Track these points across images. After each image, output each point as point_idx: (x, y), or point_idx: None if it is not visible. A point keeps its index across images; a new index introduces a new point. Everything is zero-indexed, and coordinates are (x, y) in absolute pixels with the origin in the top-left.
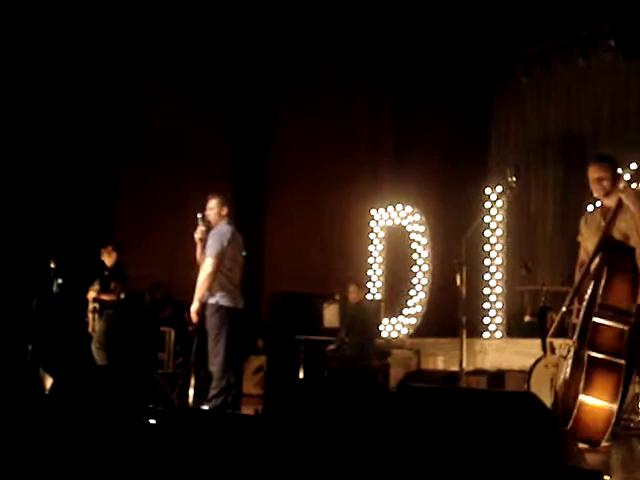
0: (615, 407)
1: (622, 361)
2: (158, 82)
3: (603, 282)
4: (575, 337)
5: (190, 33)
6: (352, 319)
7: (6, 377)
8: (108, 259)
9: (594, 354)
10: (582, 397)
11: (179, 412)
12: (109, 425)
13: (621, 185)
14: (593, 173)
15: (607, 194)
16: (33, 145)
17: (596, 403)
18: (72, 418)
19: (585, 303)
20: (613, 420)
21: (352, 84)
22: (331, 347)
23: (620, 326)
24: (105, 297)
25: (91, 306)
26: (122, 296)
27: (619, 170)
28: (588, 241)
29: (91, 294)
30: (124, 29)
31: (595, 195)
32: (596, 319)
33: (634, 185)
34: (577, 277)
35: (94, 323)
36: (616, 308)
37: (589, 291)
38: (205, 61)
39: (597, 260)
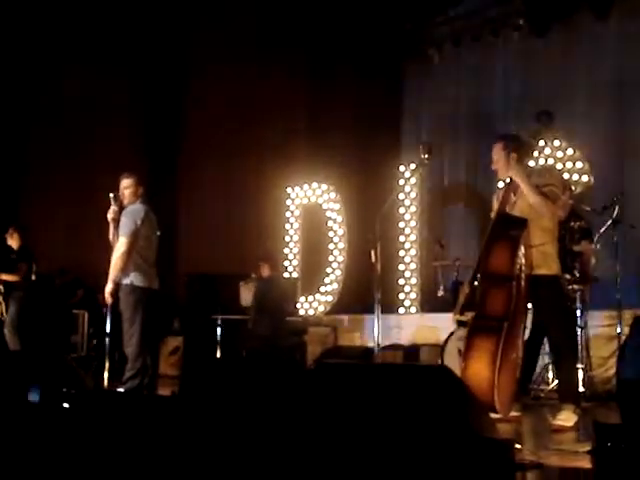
0: (493, 371)
1: (503, 323)
2: (68, 52)
3: (484, 252)
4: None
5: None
6: (262, 296)
7: None
8: (13, 242)
9: (475, 320)
10: (462, 363)
11: (94, 395)
12: (21, 410)
13: (512, 162)
14: (494, 153)
15: (503, 173)
16: None
17: (475, 369)
18: None
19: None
20: (496, 383)
21: (265, 58)
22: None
23: (499, 289)
24: (11, 278)
25: None
26: (33, 277)
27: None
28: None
29: None
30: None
31: (499, 171)
32: (475, 284)
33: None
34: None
35: (2, 307)
36: (494, 273)
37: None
38: (116, 30)
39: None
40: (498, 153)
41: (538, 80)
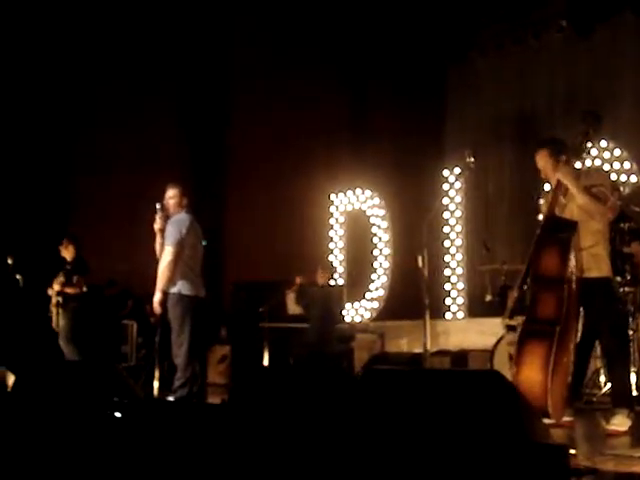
0: (546, 376)
1: (555, 328)
2: (114, 74)
3: (534, 256)
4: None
5: (141, 26)
6: (307, 303)
7: None
8: (67, 253)
9: (526, 324)
10: (514, 368)
11: (144, 404)
12: (74, 420)
13: (560, 165)
14: (536, 162)
15: (552, 177)
16: None
17: (528, 374)
18: (36, 415)
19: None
20: (549, 387)
21: (307, 71)
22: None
23: (550, 293)
24: (69, 290)
25: (54, 300)
26: (84, 289)
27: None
28: None
29: (55, 287)
30: (75, 19)
31: (548, 177)
32: (524, 288)
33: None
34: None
35: (58, 317)
36: (545, 277)
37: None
38: (163, 46)
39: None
40: (543, 159)
41: (582, 81)
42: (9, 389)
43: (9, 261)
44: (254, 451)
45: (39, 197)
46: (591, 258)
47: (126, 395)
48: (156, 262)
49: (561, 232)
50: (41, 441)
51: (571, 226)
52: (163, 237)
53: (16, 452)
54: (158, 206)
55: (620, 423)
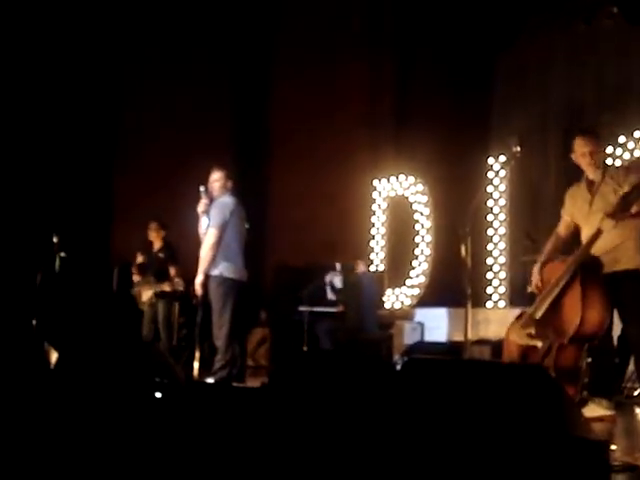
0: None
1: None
2: (158, 52)
3: (579, 314)
4: (540, 313)
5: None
6: (347, 289)
7: (11, 352)
8: (156, 239)
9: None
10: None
11: (185, 385)
12: (115, 399)
13: (599, 162)
14: (582, 147)
15: (593, 171)
16: (32, 117)
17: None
18: (78, 392)
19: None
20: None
21: (353, 52)
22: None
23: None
24: (166, 288)
25: (148, 301)
26: (181, 288)
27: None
28: (571, 215)
29: (147, 292)
30: None
31: (585, 168)
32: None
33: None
34: (548, 247)
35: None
36: (586, 337)
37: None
38: (205, 28)
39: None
40: (590, 146)
41: (634, 71)
42: (52, 366)
43: (54, 239)
44: (292, 435)
45: (84, 175)
46: (621, 251)
47: (167, 376)
48: (199, 244)
49: (597, 276)
50: (82, 419)
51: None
52: (207, 219)
53: (57, 430)
54: (202, 189)
55: None
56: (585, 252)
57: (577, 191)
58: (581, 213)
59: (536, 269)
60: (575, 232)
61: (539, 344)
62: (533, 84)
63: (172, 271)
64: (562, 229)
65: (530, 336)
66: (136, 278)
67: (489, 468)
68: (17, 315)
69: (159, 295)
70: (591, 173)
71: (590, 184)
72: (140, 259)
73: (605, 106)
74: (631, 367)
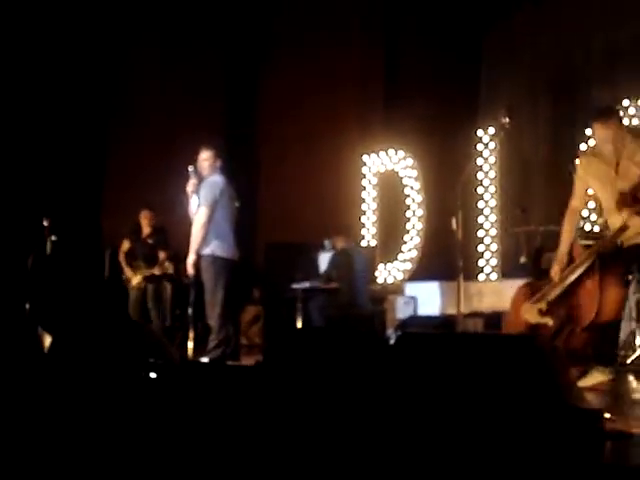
0: None
1: None
2: (150, 33)
3: (595, 305)
4: (554, 295)
5: None
6: (339, 266)
7: (4, 336)
8: (146, 224)
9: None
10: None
11: (179, 365)
12: (109, 381)
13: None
14: (603, 133)
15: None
16: (22, 100)
17: None
18: (72, 375)
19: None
20: None
21: (341, 27)
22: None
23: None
24: (156, 272)
25: (137, 285)
26: (171, 271)
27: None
28: (588, 184)
29: (137, 277)
30: None
31: (607, 152)
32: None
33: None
34: (568, 227)
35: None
36: (600, 325)
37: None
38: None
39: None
40: (609, 130)
41: (619, 37)
42: (45, 350)
43: (45, 223)
44: (287, 412)
45: (74, 158)
46: None
47: (160, 356)
48: (189, 224)
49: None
50: (76, 402)
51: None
52: (197, 199)
53: (51, 413)
54: (191, 169)
55: None
56: (610, 244)
57: (595, 163)
58: (603, 180)
59: (562, 252)
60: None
61: (550, 322)
62: (521, 54)
63: (162, 255)
64: (578, 202)
65: (541, 313)
66: (123, 265)
67: (484, 439)
68: (10, 299)
69: (148, 279)
70: (615, 156)
71: (610, 160)
72: (126, 245)
73: (594, 75)
74: (622, 336)
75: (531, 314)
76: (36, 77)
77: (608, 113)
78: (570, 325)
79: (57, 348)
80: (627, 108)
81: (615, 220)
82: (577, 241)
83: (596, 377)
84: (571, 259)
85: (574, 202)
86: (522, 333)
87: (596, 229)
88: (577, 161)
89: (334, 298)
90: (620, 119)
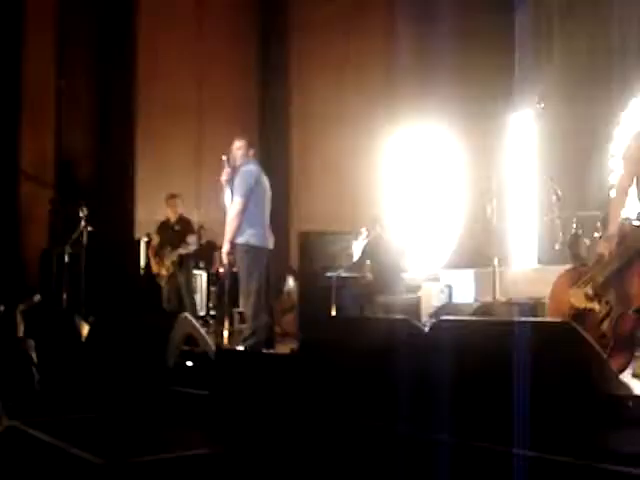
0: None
1: None
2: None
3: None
4: (602, 277)
5: None
6: (370, 253)
7: (44, 325)
8: (172, 213)
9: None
10: None
11: (215, 353)
12: (145, 369)
13: None
14: None
15: None
16: None
17: None
18: (109, 364)
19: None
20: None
21: (372, 12)
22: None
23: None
24: (182, 252)
25: (166, 273)
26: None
27: None
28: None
29: (166, 264)
30: None
31: None
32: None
33: None
34: (617, 211)
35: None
36: None
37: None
38: None
39: None
40: None
41: None
42: (83, 339)
43: (81, 214)
44: (323, 398)
45: (107, 152)
46: None
47: (197, 344)
48: (224, 213)
49: None
50: (112, 390)
51: None
52: (230, 189)
53: (89, 399)
54: (224, 158)
55: None
56: None
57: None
58: None
59: (612, 231)
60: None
61: (597, 307)
62: (557, 36)
63: (189, 239)
64: (626, 182)
65: (588, 297)
66: (151, 258)
67: (517, 423)
68: (48, 290)
69: (178, 263)
70: None
71: None
72: (156, 240)
73: (631, 52)
74: None
75: (578, 298)
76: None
77: None
78: (620, 308)
79: (94, 337)
80: None
81: None
82: (625, 223)
83: None
84: (620, 240)
85: (622, 182)
86: (566, 319)
87: None
88: (628, 143)
89: (368, 286)
90: None
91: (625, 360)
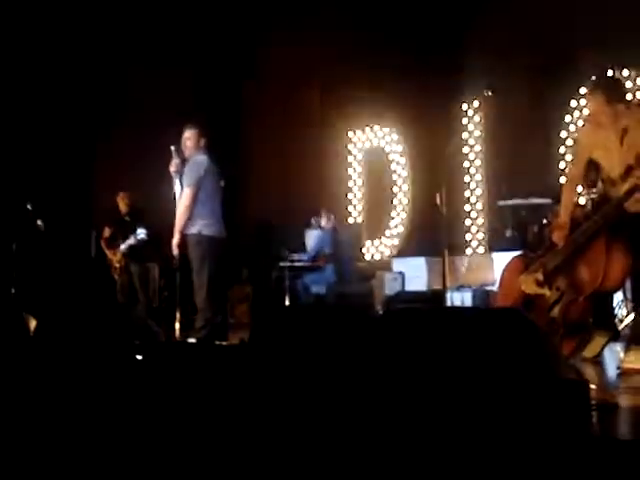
0: None
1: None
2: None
3: (601, 272)
4: (553, 264)
5: None
6: (323, 243)
7: None
8: (123, 205)
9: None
10: None
11: (166, 346)
12: (95, 364)
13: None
14: (591, 108)
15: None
16: (11, 85)
17: None
18: (57, 359)
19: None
20: None
21: (324, 7)
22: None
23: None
24: (132, 242)
25: (118, 264)
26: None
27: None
28: (592, 154)
29: (117, 257)
30: None
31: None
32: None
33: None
34: (568, 198)
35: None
36: (603, 293)
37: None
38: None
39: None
40: (599, 106)
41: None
42: (31, 334)
43: (29, 207)
44: (275, 390)
45: (60, 142)
46: None
47: (147, 337)
48: (174, 204)
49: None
50: (62, 385)
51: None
52: (180, 179)
53: (37, 396)
54: (173, 148)
55: (636, 360)
56: (615, 210)
57: (601, 133)
58: (608, 149)
59: (564, 219)
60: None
61: (547, 293)
62: (503, 23)
63: (139, 230)
64: (578, 171)
65: (538, 283)
66: (105, 249)
67: (472, 414)
68: None
69: (129, 254)
70: (616, 126)
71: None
72: (108, 232)
73: (578, 35)
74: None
75: (528, 285)
76: (26, 61)
77: (596, 86)
78: (571, 294)
79: (42, 332)
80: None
81: (618, 189)
82: (577, 210)
83: (599, 342)
84: (572, 227)
85: (574, 171)
86: (516, 305)
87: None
88: (579, 129)
89: (322, 276)
90: (611, 87)
91: (575, 345)
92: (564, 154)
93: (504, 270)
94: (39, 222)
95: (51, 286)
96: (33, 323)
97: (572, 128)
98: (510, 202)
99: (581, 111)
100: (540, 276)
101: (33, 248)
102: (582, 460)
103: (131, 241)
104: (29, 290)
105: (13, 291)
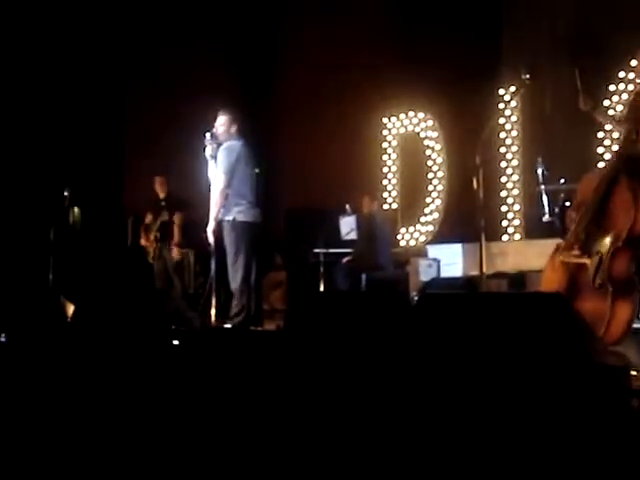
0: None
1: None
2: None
3: (631, 212)
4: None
5: None
6: (365, 229)
7: (29, 306)
8: (161, 190)
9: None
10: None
11: (202, 332)
12: (132, 349)
13: None
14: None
15: None
16: (43, 71)
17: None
18: (95, 345)
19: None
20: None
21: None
22: (347, 259)
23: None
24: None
25: (153, 250)
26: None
27: None
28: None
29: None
30: None
31: None
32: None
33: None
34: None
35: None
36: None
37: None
38: None
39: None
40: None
41: None
42: (69, 319)
43: (65, 193)
44: (310, 376)
45: (94, 128)
46: None
47: (184, 323)
48: (210, 190)
49: None
50: (99, 370)
51: None
52: (214, 164)
53: (75, 382)
54: (207, 134)
55: None
56: (630, 146)
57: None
58: None
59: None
60: None
61: (588, 261)
62: (543, 9)
63: (176, 219)
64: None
65: (577, 257)
66: (141, 236)
67: (510, 399)
68: (33, 270)
69: (161, 237)
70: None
71: None
72: (149, 218)
73: (617, 28)
74: None
75: (566, 258)
76: (56, 45)
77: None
78: (610, 247)
79: (80, 317)
80: None
81: None
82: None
83: None
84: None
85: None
86: (561, 289)
87: None
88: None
89: (357, 262)
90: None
91: (633, 306)
92: (602, 139)
93: (549, 258)
94: (76, 208)
95: (88, 271)
96: (71, 308)
97: (610, 112)
98: (547, 188)
99: (620, 96)
100: (577, 250)
101: (71, 234)
102: (618, 447)
103: (164, 217)
104: (67, 276)
105: (51, 277)
